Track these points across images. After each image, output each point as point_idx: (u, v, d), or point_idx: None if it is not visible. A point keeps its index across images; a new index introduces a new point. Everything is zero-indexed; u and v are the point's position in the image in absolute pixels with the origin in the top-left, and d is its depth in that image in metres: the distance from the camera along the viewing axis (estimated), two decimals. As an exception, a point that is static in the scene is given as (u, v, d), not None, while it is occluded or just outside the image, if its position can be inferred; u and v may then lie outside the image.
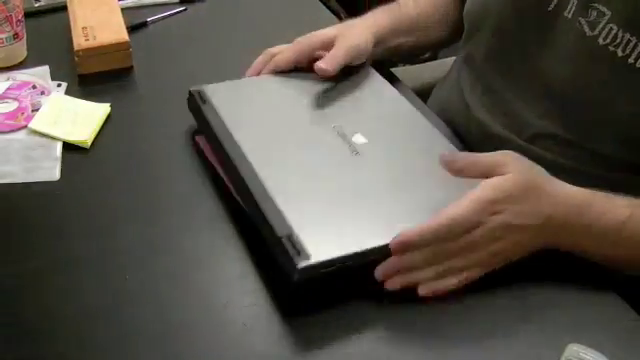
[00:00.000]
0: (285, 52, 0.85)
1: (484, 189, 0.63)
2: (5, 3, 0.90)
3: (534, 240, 0.65)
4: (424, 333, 0.63)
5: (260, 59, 0.87)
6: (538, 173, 0.66)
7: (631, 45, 0.69)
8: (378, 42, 0.88)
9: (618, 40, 0.70)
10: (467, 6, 0.88)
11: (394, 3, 0.95)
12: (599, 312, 0.65)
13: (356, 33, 0.87)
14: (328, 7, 1.14)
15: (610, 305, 0.66)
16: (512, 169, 0.64)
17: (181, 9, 1.09)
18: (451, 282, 0.64)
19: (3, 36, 0.92)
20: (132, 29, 1.01)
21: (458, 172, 0.67)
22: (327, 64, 0.82)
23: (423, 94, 0.99)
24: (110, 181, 0.77)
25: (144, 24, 1.04)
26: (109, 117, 0.85)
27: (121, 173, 0.79)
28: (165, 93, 0.90)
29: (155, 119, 0.86)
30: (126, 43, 0.94)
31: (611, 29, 0.70)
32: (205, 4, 1.11)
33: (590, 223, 0.65)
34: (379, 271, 0.63)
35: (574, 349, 0.59)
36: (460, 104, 0.90)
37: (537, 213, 0.64)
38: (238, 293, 0.65)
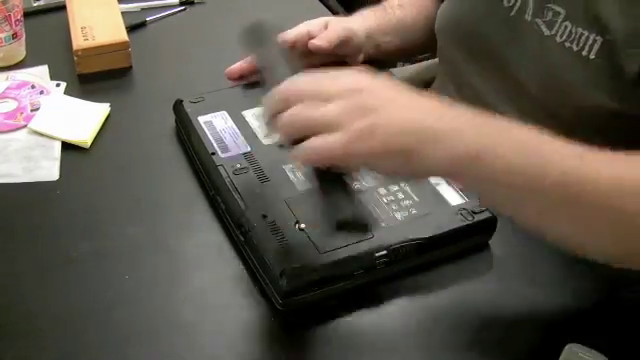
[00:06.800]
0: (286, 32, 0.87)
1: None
2: (4, 2, 0.89)
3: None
4: (423, 333, 0.63)
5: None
6: None
7: (584, 38, 0.72)
8: (367, 36, 0.91)
9: (573, 36, 0.73)
10: (439, 23, 0.91)
11: (379, 5, 0.98)
12: (599, 312, 0.65)
13: (350, 19, 0.90)
14: (327, 7, 1.14)
15: (610, 305, 0.66)
16: None
17: (180, 9, 1.09)
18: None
19: (2, 35, 0.91)
20: (131, 29, 1.01)
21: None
22: (321, 40, 0.85)
23: None
24: (110, 181, 0.77)
25: (143, 24, 1.04)
26: (108, 117, 0.85)
27: (121, 173, 0.78)
28: (164, 93, 0.90)
29: (154, 119, 0.86)
30: (125, 43, 0.94)
31: (566, 27, 0.74)
32: (204, 4, 1.11)
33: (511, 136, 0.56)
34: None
35: (574, 349, 0.59)
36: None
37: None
38: (238, 293, 0.65)
